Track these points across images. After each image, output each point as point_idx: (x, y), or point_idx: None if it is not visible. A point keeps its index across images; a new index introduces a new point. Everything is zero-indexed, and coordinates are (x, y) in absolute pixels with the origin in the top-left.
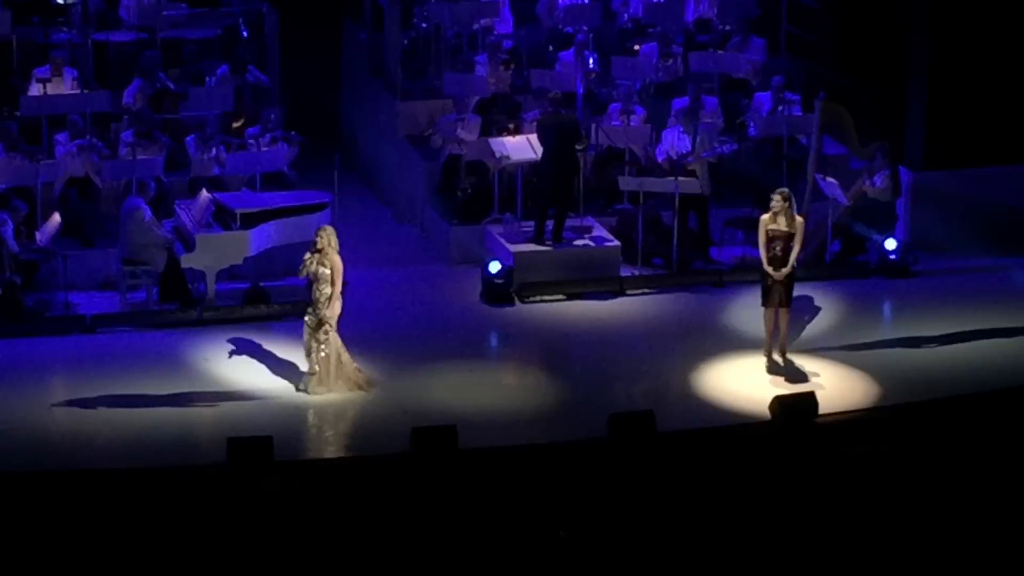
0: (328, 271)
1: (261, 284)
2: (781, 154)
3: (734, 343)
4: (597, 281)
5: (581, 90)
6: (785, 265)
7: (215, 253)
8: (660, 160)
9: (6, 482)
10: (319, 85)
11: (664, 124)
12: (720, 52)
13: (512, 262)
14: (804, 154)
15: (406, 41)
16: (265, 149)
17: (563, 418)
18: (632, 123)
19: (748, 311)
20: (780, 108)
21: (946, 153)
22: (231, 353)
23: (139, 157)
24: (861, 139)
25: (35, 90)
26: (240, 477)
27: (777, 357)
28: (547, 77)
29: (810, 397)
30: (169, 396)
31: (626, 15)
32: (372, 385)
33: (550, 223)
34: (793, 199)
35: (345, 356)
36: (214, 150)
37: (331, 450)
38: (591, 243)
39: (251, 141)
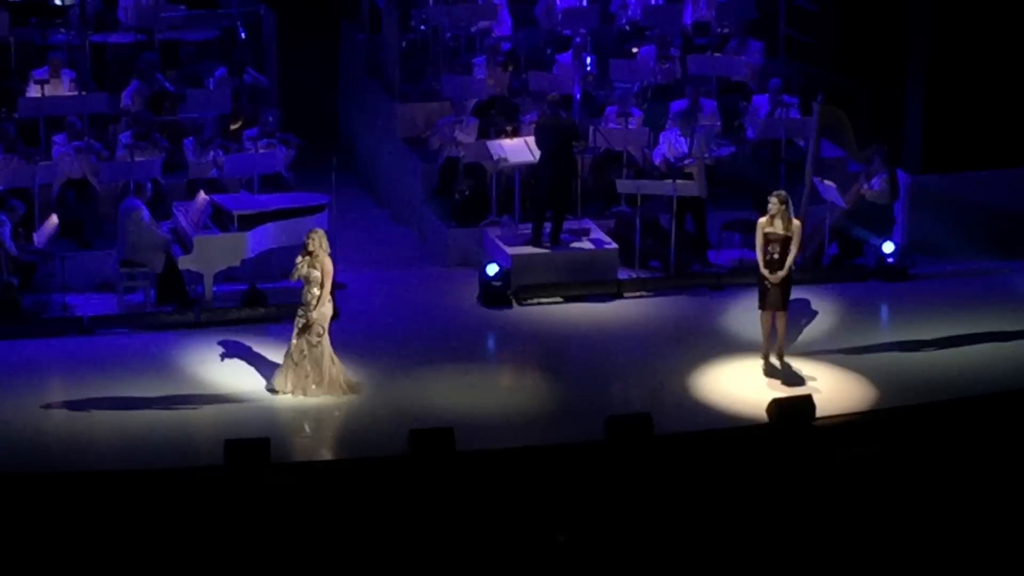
0: (319, 273)
1: (259, 286)
2: (779, 157)
3: (731, 346)
4: (595, 284)
5: (578, 92)
6: (782, 268)
7: (213, 255)
8: (657, 163)
9: (3, 483)
10: (317, 87)
11: (662, 127)
12: (718, 55)
13: (510, 264)
14: (802, 157)
15: (404, 43)
16: (263, 151)
17: (560, 420)
18: (629, 125)
19: (745, 314)
20: (778, 111)
21: (944, 156)
22: (228, 355)
23: (137, 159)
24: (859, 142)
25: (33, 91)
26: (237, 479)
27: (774, 360)
28: (545, 79)
29: (807, 400)
30: (166, 398)
31: (624, 18)
32: (356, 390)
33: (548, 225)
34: (790, 202)
35: (335, 359)
36: (212, 153)
37: (328, 452)
38: (589, 245)
39: (249, 143)
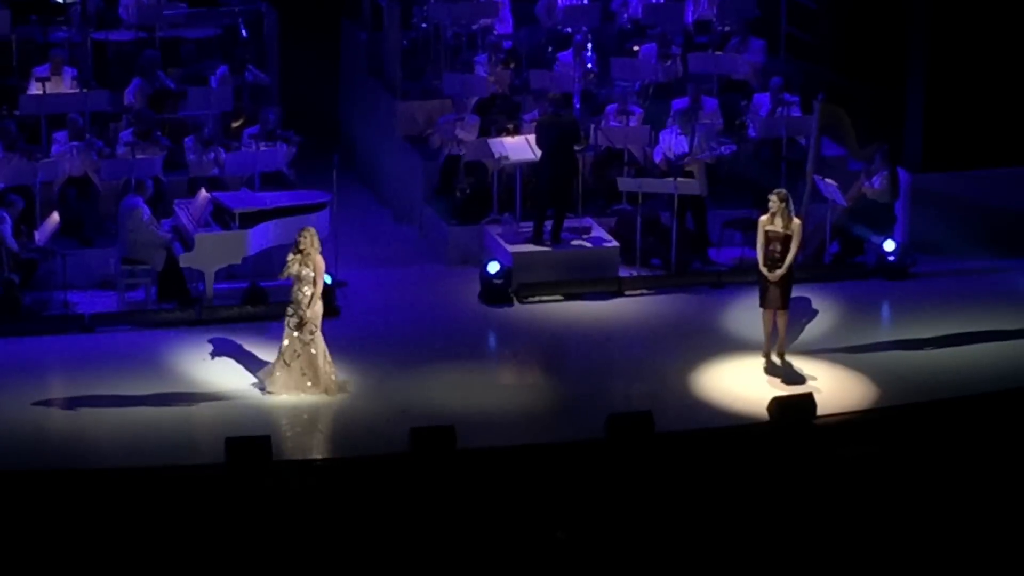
0: (311, 272)
1: (260, 284)
2: (780, 155)
3: (732, 344)
4: (596, 282)
5: (578, 90)
6: (781, 266)
7: (214, 252)
8: (658, 161)
9: (4, 481)
10: (318, 85)
11: (664, 125)
12: (719, 53)
13: (511, 262)
14: (803, 155)
15: (405, 41)
16: (264, 149)
17: (561, 418)
18: (630, 124)
19: (746, 312)
20: (779, 109)
21: (945, 155)
22: (229, 353)
23: (138, 157)
24: (860, 140)
25: (34, 89)
26: (238, 477)
27: (775, 358)
28: (546, 78)
29: (808, 398)
30: (167, 395)
31: (625, 16)
32: (345, 389)
33: (549, 223)
34: (790, 200)
35: (328, 357)
36: (212, 154)
37: (329, 450)
38: (590, 244)
39: (249, 140)
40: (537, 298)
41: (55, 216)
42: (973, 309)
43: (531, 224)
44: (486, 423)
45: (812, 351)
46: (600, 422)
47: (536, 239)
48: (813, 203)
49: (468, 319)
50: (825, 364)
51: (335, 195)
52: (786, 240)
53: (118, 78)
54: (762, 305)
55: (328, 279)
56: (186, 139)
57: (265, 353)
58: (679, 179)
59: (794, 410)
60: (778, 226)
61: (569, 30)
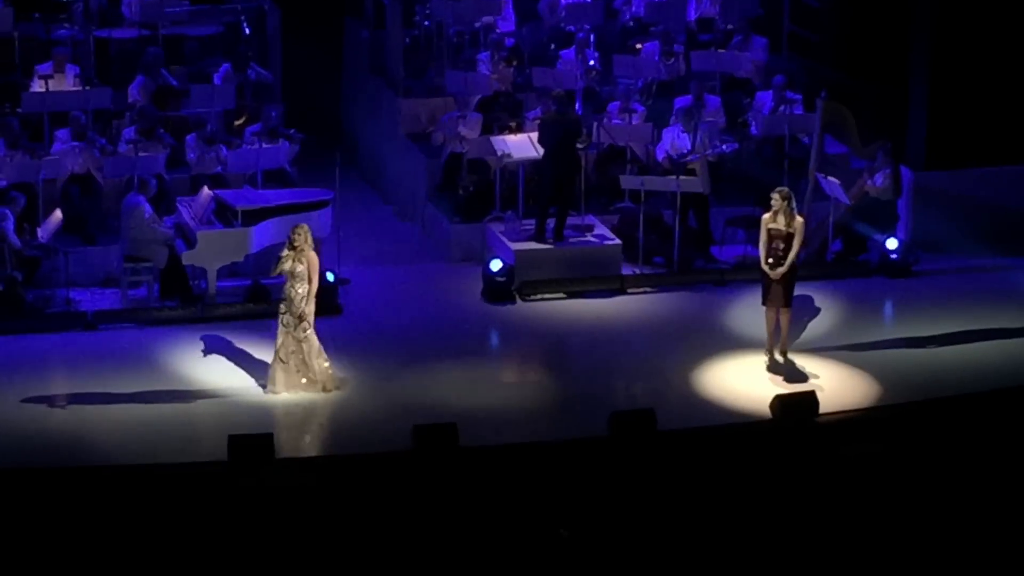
0: (305, 268)
1: (262, 281)
2: (783, 153)
3: (735, 342)
4: (598, 279)
5: (581, 87)
6: (784, 264)
7: (216, 250)
8: (660, 159)
9: (6, 479)
10: (321, 83)
11: (666, 123)
12: (722, 51)
13: (513, 260)
14: (806, 153)
15: (408, 39)
16: (266, 146)
17: (564, 416)
18: (633, 121)
19: (749, 310)
20: (782, 107)
21: (947, 153)
22: (231, 350)
23: (140, 154)
24: (862, 138)
25: (37, 86)
26: (240, 474)
27: (778, 356)
28: (549, 75)
29: (810, 396)
30: (169, 393)
31: (628, 13)
32: (341, 386)
33: (551, 221)
34: (793, 198)
35: (323, 354)
36: (214, 152)
37: (331, 447)
38: (592, 241)
39: (252, 138)
40: (539, 296)
41: (58, 213)
42: (976, 307)
43: (533, 222)
44: (488, 421)
45: (814, 349)
46: (602, 420)
47: (538, 237)
48: (816, 201)
49: (470, 317)
50: (827, 362)
51: (337, 193)
52: (789, 238)
53: (121, 76)
54: (765, 303)
55: (331, 276)
56: (188, 137)
57: (267, 351)
58: (682, 177)
59: (796, 408)
60: (781, 224)
61: (572, 28)
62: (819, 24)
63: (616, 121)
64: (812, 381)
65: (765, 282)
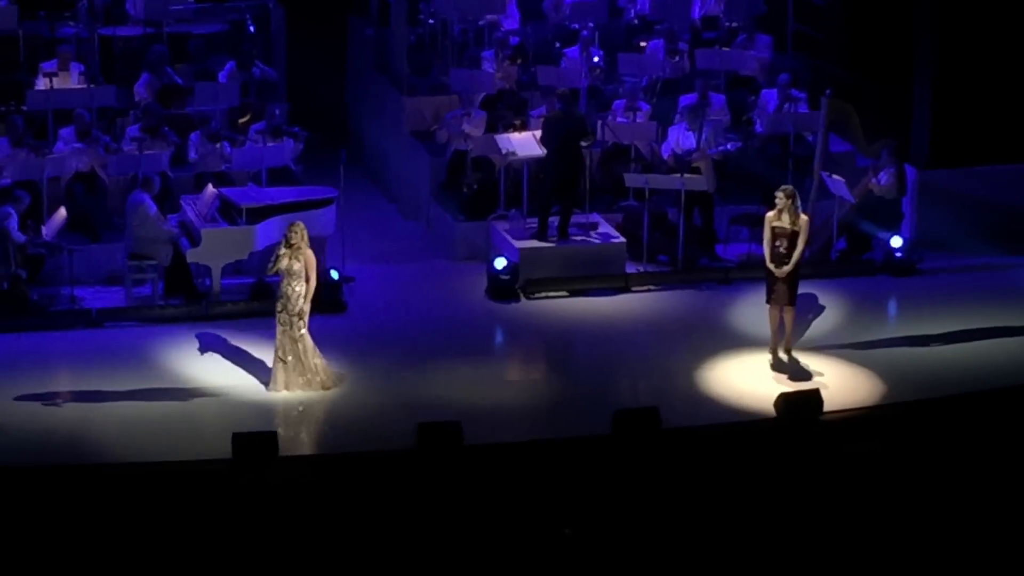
0: (302, 266)
1: (266, 279)
2: (787, 151)
3: (739, 340)
4: (602, 278)
5: (585, 85)
6: (788, 263)
7: (220, 248)
8: (665, 157)
9: (11, 476)
10: (325, 81)
11: (671, 121)
12: (727, 49)
13: (517, 258)
14: (810, 152)
15: (412, 37)
16: (271, 145)
17: (568, 414)
18: (637, 120)
19: (753, 308)
20: (786, 105)
21: (952, 151)
22: (236, 348)
23: (145, 152)
24: (867, 137)
25: (41, 84)
26: (244, 472)
27: (782, 354)
28: (553, 74)
29: (815, 394)
30: (174, 390)
31: (633, 12)
32: (339, 383)
33: (555, 219)
34: (797, 196)
35: (317, 352)
36: (218, 150)
37: (335, 445)
38: (596, 239)
39: (256, 136)
40: (544, 294)
41: (62, 211)
42: (980, 305)
43: (537, 220)
44: (493, 419)
45: (819, 347)
46: (606, 418)
47: (541, 235)
48: (820, 199)
49: (475, 315)
50: (832, 360)
51: (342, 191)
52: (793, 236)
53: (125, 74)
54: (769, 301)
55: (335, 274)
56: (192, 134)
57: (271, 349)
58: (686, 175)
59: (801, 406)
60: (785, 222)
61: (576, 26)
62: (824, 22)
63: (621, 119)
64: (816, 379)
65: (769, 280)
